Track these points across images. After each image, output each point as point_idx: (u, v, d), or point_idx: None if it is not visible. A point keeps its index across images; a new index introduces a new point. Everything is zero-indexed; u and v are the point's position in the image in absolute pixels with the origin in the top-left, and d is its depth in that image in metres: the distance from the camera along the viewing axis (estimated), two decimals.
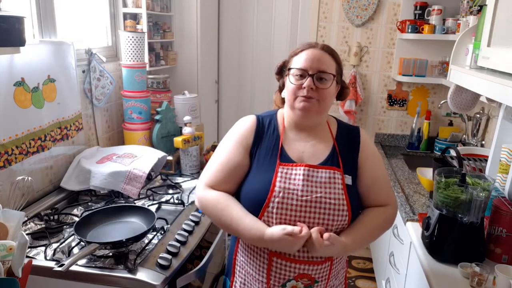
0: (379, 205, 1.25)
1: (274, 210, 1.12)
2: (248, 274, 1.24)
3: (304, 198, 1.12)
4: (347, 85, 1.30)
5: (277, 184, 1.14)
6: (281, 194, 1.12)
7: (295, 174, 1.15)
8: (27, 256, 1.33)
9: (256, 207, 1.14)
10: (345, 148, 1.24)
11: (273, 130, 1.25)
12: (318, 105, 1.18)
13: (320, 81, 1.17)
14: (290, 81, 1.19)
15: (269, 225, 1.13)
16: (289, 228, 1.07)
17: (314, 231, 1.08)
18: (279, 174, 1.15)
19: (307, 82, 1.16)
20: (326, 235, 1.08)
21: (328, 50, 1.22)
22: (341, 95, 1.29)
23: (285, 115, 1.27)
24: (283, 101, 1.29)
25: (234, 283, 1.30)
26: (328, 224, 1.13)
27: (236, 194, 1.22)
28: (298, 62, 1.19)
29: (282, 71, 1.29)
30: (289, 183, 1.14)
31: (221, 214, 1.16)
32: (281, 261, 1.15)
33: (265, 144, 1.22)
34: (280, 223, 1.12)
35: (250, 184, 1.18)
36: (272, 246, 1.11)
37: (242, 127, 1.26)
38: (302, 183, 1.14)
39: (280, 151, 1.20)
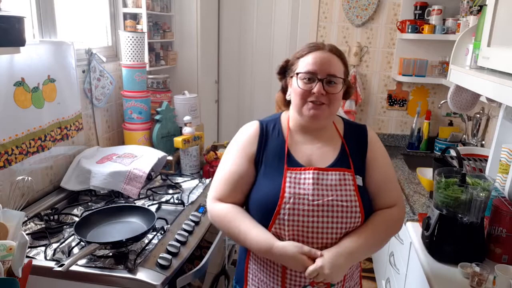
0: (388, 206, 1.21)
1: (286, 217, 1.09)
2: (261, 282, 1.19)
3: (315, 202, 1.09)
4: (351, 84, 1.27)
5: (287, 190, 1.10)
6: (291, 200, 1.09)
7: (304, 179, 1.12)
8: (27, 256, 1.33)
9: (267, 215, 1.11)
10: (354, 148, 1.21)
11: (278, 134, 1.21)
12: (328, 110, 1.15)
13: (329, 84, 1.13)
14: (299, 86, 1.14)
15: (281, 233, 1.11)
16: (306, 248, 1.05)
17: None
18: (287, 179, 1.12)
19: (316, 87, 1.12)
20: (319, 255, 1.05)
21: (336, 51, 1.18)
22: (346, 94, 1.24)
23: (290, 118, 1.23)
24: (286, 102, 1.26)
25: None
26: (342, 227, 1.10)
27: (246, 203, 1.20)
28: (306, 65, 1.14)
29: (285, 71, 1.25)
30: (299, 188, 1.11)
31: (228, 226, 1.14)
32: None
33: (271, 149, 1.18)
34: (293, 230, 1.09)
35: (259, 192, 1.15)
36: (281, 260, 1.08)
37: (245, 135, 1.22)
38: (313, 187, 1.11)
39: (286, 155, 1.16)
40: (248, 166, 1.18)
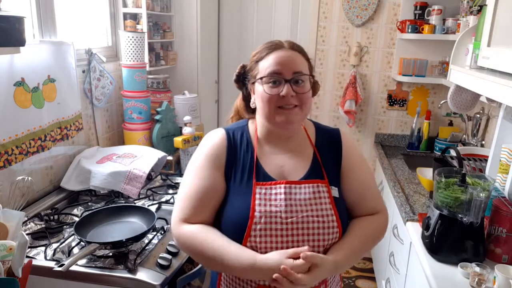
0: (369, 214, 1.14)
1: (258, 239, 0.99)
2: None
3: (289, 220, 1.01)
4: (316, 80, 1.15)
5: (257, 208, 1.01)
6: (262, 220, 1.00)
7: (275, 194, 1.03)
8: (27, 256, 1.33)
9: (237, 237, 1.00)
10: (327, 156, 1.12)
11: (247, 145, 1.10)
12: (301, 113, 1.06)
13: (297, 84, 1.04)
14: (265, 91, 1.04)
15: None
16: (290, 251, 0.95)
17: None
18: (257, 195, 1.03)
19: (285, 90, 1.02)
20: (304, 255, 0.94)
21: (297, 48, 1.09)
22: (312, 91, 1.12)
23: (258, 126, 1.13)
24: (250, 110, 1.17)
25: None
26: (319, 245, 1.02)
27: (216, 223, 1.07)
28: (269, 67, 1.04)
29: (244, 78, 1.15)
30: (270, 205, 1.01)
31: (201, 248, 1.00)
32: None
33: (240, 161, 1.08)
34: (266, 252, 0.99)
35: (228, 212, 1.05)
36: (266, 274, 0.95)
37: (211, 145, 1.10)
38: (285, 203, 1.02)
39: (255, 168, 1.06)
40: (218, 179, 1.07)
